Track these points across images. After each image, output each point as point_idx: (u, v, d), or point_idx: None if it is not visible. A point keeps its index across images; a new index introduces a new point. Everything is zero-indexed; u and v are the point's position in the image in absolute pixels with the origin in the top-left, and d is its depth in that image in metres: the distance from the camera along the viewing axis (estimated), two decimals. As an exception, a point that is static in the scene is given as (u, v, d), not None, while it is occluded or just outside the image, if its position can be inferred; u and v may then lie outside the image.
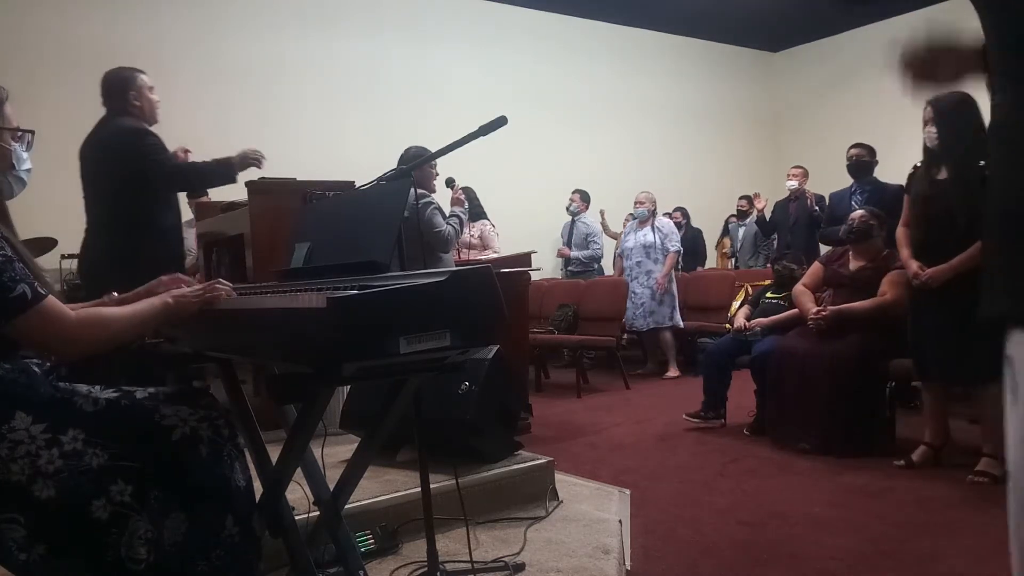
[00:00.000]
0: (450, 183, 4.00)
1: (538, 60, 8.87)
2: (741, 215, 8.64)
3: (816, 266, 4.21)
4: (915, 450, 3.42)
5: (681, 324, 6.55)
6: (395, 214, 1.81)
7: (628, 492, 3.11)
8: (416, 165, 2.90)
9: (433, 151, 2.46)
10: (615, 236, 7.65)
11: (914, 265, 3.25)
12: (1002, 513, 1.03)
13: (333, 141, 7.18)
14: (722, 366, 4.35)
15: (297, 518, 1.78)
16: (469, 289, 1.40)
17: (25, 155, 2.34)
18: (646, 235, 6.53)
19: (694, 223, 8.69)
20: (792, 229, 6.03)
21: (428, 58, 8.12)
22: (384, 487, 2.56)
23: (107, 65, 3.36)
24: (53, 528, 1.33)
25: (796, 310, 4.11)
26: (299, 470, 1.85)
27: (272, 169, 3.46)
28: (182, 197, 3.75)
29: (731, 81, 10.56)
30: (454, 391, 2.75)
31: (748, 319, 4.37)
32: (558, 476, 2.94)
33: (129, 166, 3.09)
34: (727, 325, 5.22)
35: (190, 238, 4.38)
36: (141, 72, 3.27)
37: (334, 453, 2.71)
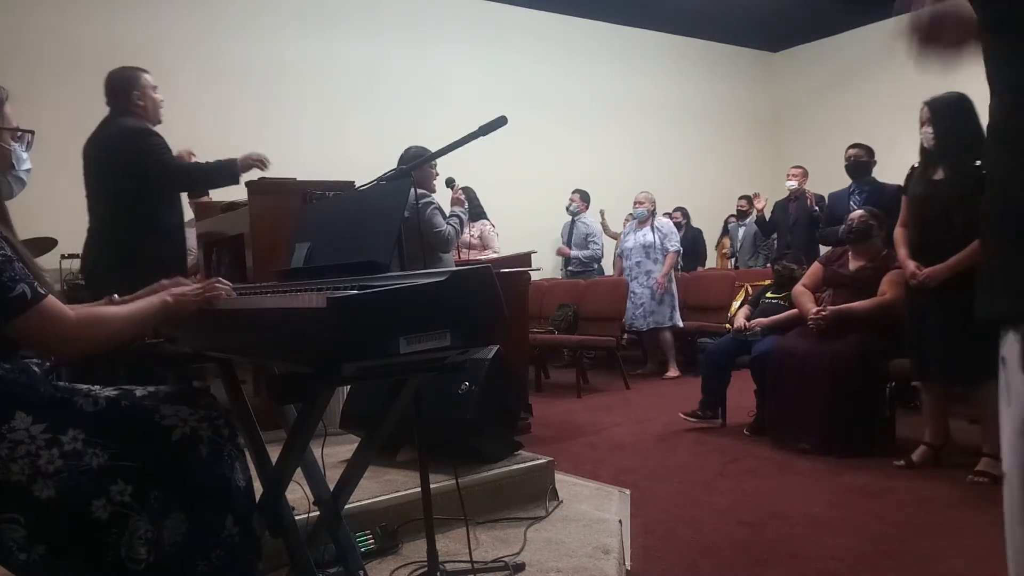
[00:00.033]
0: (450, 183, 4.00)
1: (538, 60, 8.87)
2: (741, 215, 8.64)
3: (816, 266, 4.22)
4: (915, 450, 3.42)
5: (681, 324, 6.55)
6: (395, 214, 1.81)
7: (628, 492, 3.11)
8: (416, 165, 2.90)
9: (433, 151, 2.46)
10: (615, 236, 7.66)
11: (911, 265, 3.26)
12: (1002, 513, 1.03)
13: (333, 141, 7.18)
14: (722, 366, 4.35)
15: (297, 518, 1.78)
16: (469, 289, 1.40)
17: (25, 155, 2.33)
18: (645, 235, 6.53)
19: (694, 223, 8.69)
20: (792, 229, 6.03)
21: (428, 58, 8.12)
22: (384, 487, 2.56)
23: (107, 65, 3.36)
24: (53, 528, 1.33)
25: (796, 310, 4.11)
26: (299, 470, 1.85)
27: (272, 169, 3.46)
28: (183, 197, 3.74)
29: (731, 81, 10.56)
30: (454, 391, 2.75)
31: (748, 319, 4.37)
32: (558, 476, 2.94)
33: (132, 166, 3.09)
34: (727, 325, 5.22)
35: (190, 238, 4.38)
36: (145, 72, 3.27)
37: (334, 453, 2.71)
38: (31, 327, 1.37)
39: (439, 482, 2.35)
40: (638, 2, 8.83)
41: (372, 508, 2.40)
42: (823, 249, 5.21)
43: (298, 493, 1.99)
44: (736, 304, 5.22)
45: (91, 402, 1.44)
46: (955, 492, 3.03)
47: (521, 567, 2.21)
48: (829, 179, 5.91)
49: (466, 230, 5.07)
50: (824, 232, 5.30)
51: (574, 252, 7.39)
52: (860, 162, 4.99)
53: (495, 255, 5.48)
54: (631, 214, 6.83)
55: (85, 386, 1.49)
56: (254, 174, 3.39)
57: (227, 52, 7.00)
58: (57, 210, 4.71)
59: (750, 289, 5.26)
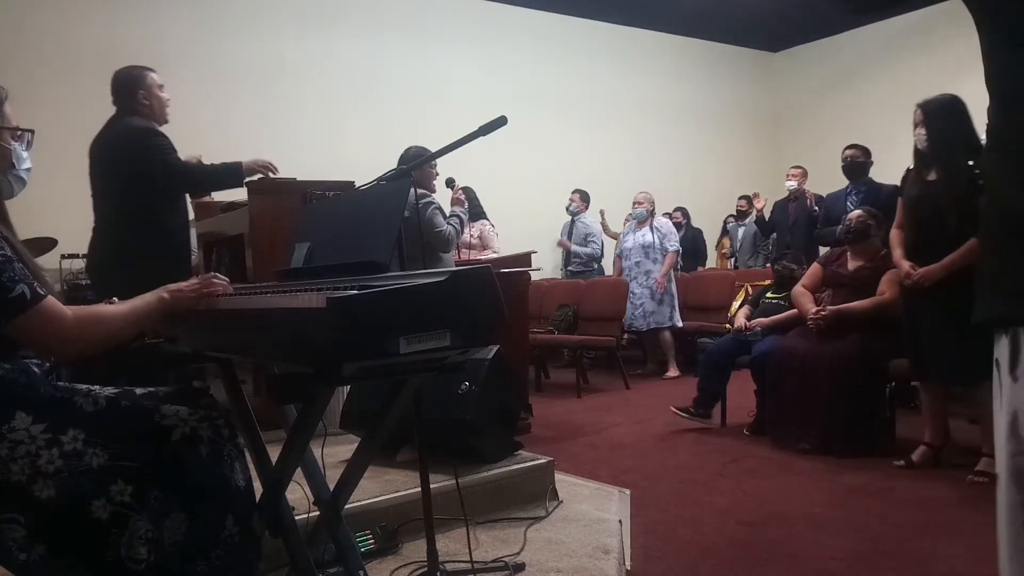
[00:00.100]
0: (450, 183, 4.00)
1: (538, 60, 8.87)
2: (740, 215, 8.65)
3: (815, 267, 4.22)
4: (915, 450, 3.42)
5: (680, 324, 6.55)
6: (395, 214, 1.81)
7: (628, 492, 3.11)
8: (416, 165, 2.90)
9: (433, 151, 2.46)
10: (615, 236, 7.66)
11: (906, 265, 3.27)
12: (1001, 513, 1.03)
13: (333, 141, 7.18)
14: (722, 366, 4.35)
15: (297, 518, 1.78)
16: (469, 289, 1.39)
17: (25, 154, 2.33)
18: (645, 235, 6.53)
19: (694, 223, 8.69)
20: (791, 229, 6.03)
21: (428, 58, 8.12)
22: (384, 487, 2.56)
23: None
24: (53, 528, 1.33)
25: (796, 310, 4.11)
26: (299, 470, 1.86)
27: (272, 169, 3.46)
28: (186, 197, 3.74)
29: (731, 81, 10.56)
30: (454, 391, 2.75)
31: (748, 319, 4.37)
32: (558, 476, 2.94)
33: (137, 166, 3.09)
34: (727, 325, 5.22)
35: (191, 238, 4.38)
36: (151, 71, 3.26)
37: (334, 453, 2.71)
38: (31, 327, 1.37)
39: (439, 482, 2.35)
40: (638, 2, 8.83)
41: (372, 508, 2.40)
42: (823, 249, 5.21)
43: (298, 493, 1.99)
44: (736, 304, 5.22)
45: (91, 402, 1.44)
46: (955, 492, 3.03)
47: (521, 567, 2.21)
48: (829, 179, 5.91)
49: (466, 230, 5.07)
50: (821, 232, 5.31)
51: (574, 247, 7.39)
52: (857, 163, 5.00)
53: (495, 255, 5.48)
54: (631, 214, 6.83)
55: (85, 386, 1.49)
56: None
57: (227, 52, 7.00)
58: (57, 210, 4.72)
59: (750, 289, 5.26)
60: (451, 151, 2.13)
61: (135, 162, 3.10)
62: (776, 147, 10.75)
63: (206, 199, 4.09)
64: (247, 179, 3.31)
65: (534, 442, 3.88)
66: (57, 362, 1.53)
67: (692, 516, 2.89)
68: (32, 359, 1.47)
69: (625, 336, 6.81)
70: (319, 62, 7.46)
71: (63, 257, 5.35)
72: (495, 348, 2.86)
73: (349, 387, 3.06)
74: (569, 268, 7.61)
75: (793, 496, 3.08)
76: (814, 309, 3.87)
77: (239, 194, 3.53)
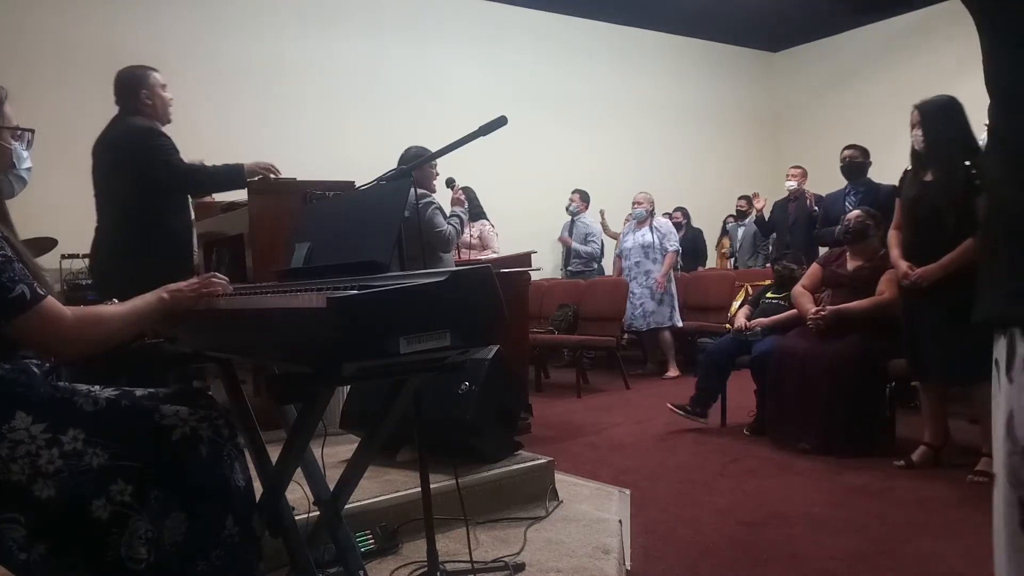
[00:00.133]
0: (450, 183, 4.01)
1: (538, 60, 8.87)
2: (740, 215, 8.65)
3: (814, 267, 4.22)
4: (915, 450, 3.42)
5: (680, 324, 6.55)
6: (395, 214, 1.81)
7: (628, 492, 3.11)
8: (416, 165, 2.90)
9: (433, 151, 2.46)
10: (615, 236, 7.66)
11: (903, 265, 3.28)
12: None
13: (333, 141, 7.18)
14: (722, 366, 4.35)
15: (297, 518, 1.78)
16: (469, 289, 1.40)
17: (25, 154, 2.33)
18: (644, 235, 6.53)
19: (694, 223, 8.69)
20: (791, 229, 6.03)
21: (428, 58, 8.12)
22: (384, 487, 2.56)
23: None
24: (53, 528, 1.33)
25: (796, 310, 4.11)
26: (299, 470, 1.86)
27: (272, 169, 3.45)
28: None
29: (731, 81, 10.56)
30: (454, 391, 2.75)
31: (748, 319, 4.37)
32: (558, 476, 2.94)
33: (139, 166, 3.09)
34: (727, 325, 5.22)
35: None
36: (154, 70, 3.26)
37: (334, 453, 2.71)
38: (31, 327, 1.37)
39: (439, 482, 2.35)
40: (638, 2, 8.83)
41: (372, 508, 2.40)
42: (822, 249, 5.21)
43: (298, 493, 1.99)
44: (736, 304, 5.22)
45: (91, 402, 1.44)
46: (955, 492, 3.03)
47: (521, 567, 2.21)
48: (828, 179, 5.91)
49: (466, 230, 5.07)
50: (820, 232, 5.32)
51: (574, 244, 7.39)
52: (855, 163, 5.01)
53: (494, 255, 5.48)
54: (630, 214, 6.83)
55: (85, 386, 1.49)
56: None
57: (227, 52, 7.00)
58: (57, 210, 4.72)
59: (750, 289, 5.26)
60: (451, 151, 2.13)
61: (137, 162, 3.09)
62: (776, 147, 10.75)
63: (206, 199, 4.09)
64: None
65: (534, 442, 3.88)
66: (57, 362, 1.53)
67: (692, 516, 2.89)
68: (32, 359, 1.47)
69: (625, 336, 6.81)
70: (319, 62, 7.46)
71: (63, 257, 5.35)
72: (495, 348, 2.86)
73: (349, 387, 3.06)
74: (569, 268, 7.61)
75: (793, 496, 3.08)
76: (814, 309, 3.88)
77: (239, 194, 3.53)
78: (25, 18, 6.12)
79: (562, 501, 2.80)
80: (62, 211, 4.64)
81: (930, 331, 3.21)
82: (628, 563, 2.41)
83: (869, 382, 3.65)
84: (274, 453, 1.82)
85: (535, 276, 5.81)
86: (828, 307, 3.84)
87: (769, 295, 4.57)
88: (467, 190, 5.12)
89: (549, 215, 7.90)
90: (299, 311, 1.34)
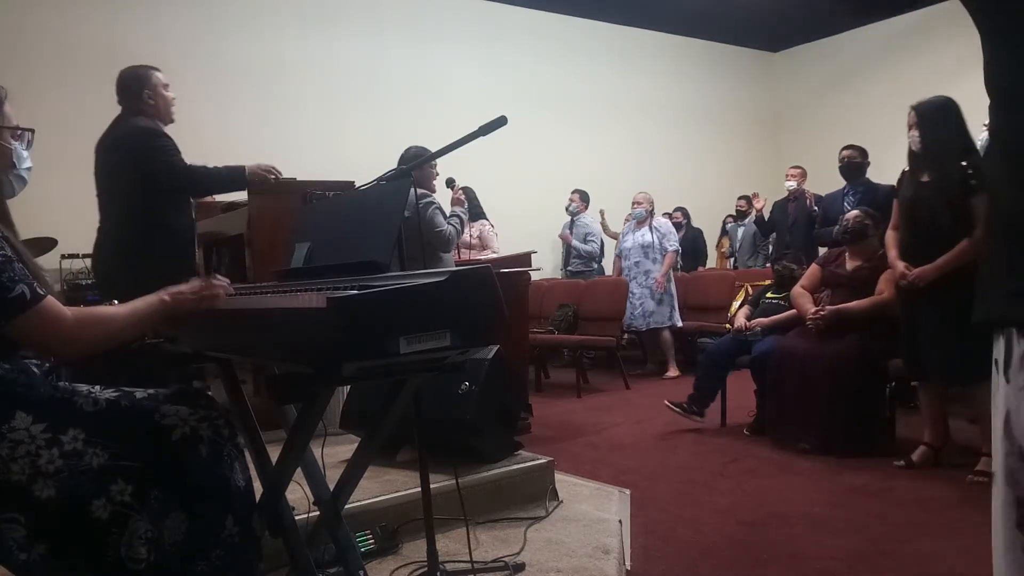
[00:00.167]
0: (450, 183, 4.01)
1: (538, 60, 8.87)
2: (739, 215, 8.65)
3: (814, 268, 4.22)
4: (915, 450, 3.42)
5: (680, 324, 6.55)
6: (395, 214, 1.81)
7: (628, 492, 3.11)
8: (416, 165, 2.90)
9: (433, 151, 2.46)
10: (615, 236, 7.66)
11: (900, 266, 3.29)
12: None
13: (333, 141, 7.18)
14: (722, 366, 4.35)
15: (297, 518, 1.78)
16: (469, 289, 1.40)
17: (25, 154, 2.33)
18: (644, 235, 6.53)
19: (694, 223, 8.69)
20: (791, 229, 6.03)
21: (428, 58, 8.12)
22: (384, 487, 2.56)
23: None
24: (53, 528, 1.33)
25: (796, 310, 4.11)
26: (299, 470, 1.86)
27: (272, 170, 3.45)
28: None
29: (731, 81, 10.56)
30: (454, 391, 2.75)
31: (748, 319, 4.37)
32: (558, 476, 2.94)
33: (140, 167, 3.09)
34: (727, 325, 5.22)
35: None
36: (156, 70, 3.27)
37: (334, 453, 2.71)
38: (31, 327, 1.37)
39: (439, 482, 2.35)
40: (638, 2, 8.83)
41: (372, 508, 2.41)
42: (822, 249, 5.21)
43: (298, 493, 1.99)
44: (736, 304, 5.22)
45: (91, 402, 1.44)
46: (955, 492, 3.03)
47: (521, 567, 2.21)
48: (828, 179, 5.90)
49: (465, 230, 5.07)
50: (819, 233, 5.33)
51: (574, 241, 7.39)
52: (854, 163, 5.02)
53: (494, 255, 5.48)
54: (630, 214, 6.83)
55: (85, 386, 1.49)
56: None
57: (227, 52, 6.99)
58: (57, 210, 4.72)
59: (750, 289, 5.26)
60: (451, 151, 2.13)
61: (139, 163, 3.10)
62: (776, 147, 10.75)
63: (206, 199, 4.09)
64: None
65: (534, 442, 3.88)
66: (57, 362, 1.53)
67: (692, 516, 2.89)
68: (32, 359, 1.47)
69: (625, 336, 6.81)
70: (319, 62, 7.46)
71: (63, 257, 5.35)
72: (495, 348, 2.86)
73: (349, 387, 3.06)
74: (569, 268, 7.61)
75: (793, 496, 3.08)
76: (813, 309, 3.88)
77: (239, 194, 3.53)
78: (25, 18, 6.12)
79: (562, 501, 2.80)
80: (62, 211, 4.64)
81: (928, 331, 3.22)
82: (628, 563, 2.41)
83: (869, 382, 3.65)
84: (274, 453, 1.82)
85: (535, 276, 5.81)
86: (827, 307, 3.84)
87: (769, 295, 4.57)
88: (467, 190, 5.12)
89: (549, 215, 7.90)
90: (299, 311, 1.34)
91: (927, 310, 3.22)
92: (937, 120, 3.20)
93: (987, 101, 0.99)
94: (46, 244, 4.72)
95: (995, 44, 0.98)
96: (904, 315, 3.37)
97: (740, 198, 8.69)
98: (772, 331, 4.20)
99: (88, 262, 4.98)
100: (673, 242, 6.58)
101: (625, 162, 9.25)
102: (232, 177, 3.25)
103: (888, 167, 4.95)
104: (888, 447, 3.60)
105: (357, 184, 2.45)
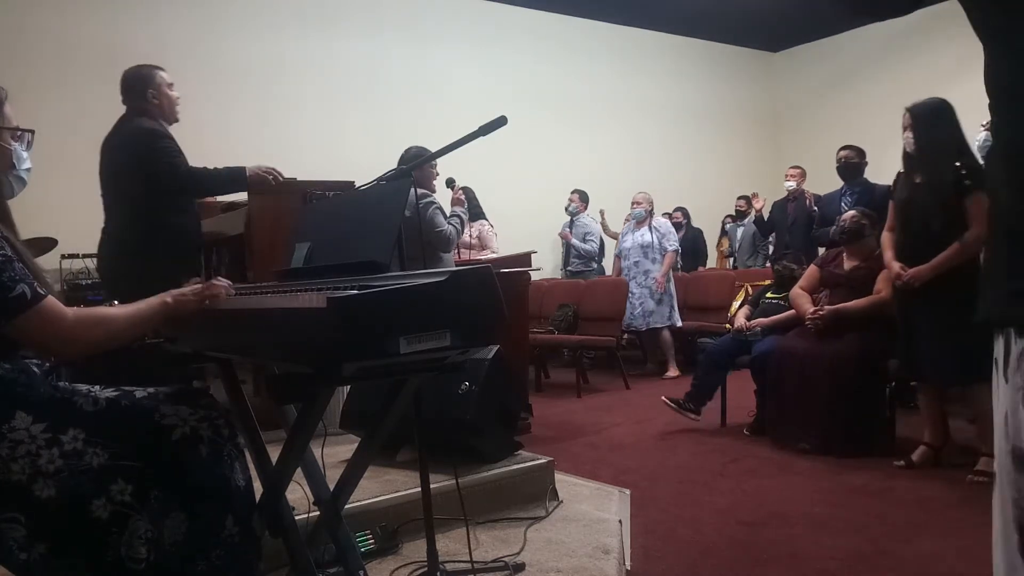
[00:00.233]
0: (450, 183, 4.01)
1: (538, 60, 8.88)
2: (739, 215, 8.65)
3: (812, 268, 4.22)
4: (915, 450, 3.42)
5: (679, 324, 6.55)
6: (395, 214, 1.81)
7: (628, 492, 3.11)
8: (416, 165, 2.90)
9: (433, 151, 2.46)
10: (614, 236, 7.66)
11: (896, 266, 3.30)
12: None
13: (333, 141, 7.18)
14: (722, 366, 4.35)
15: (297, 518, 1.78)
16: (469, 289, 1.40)
17: (25, 154, 2.33)
18: (643, 235, 6.53)
19: (694, 223, 8.69)
20: (790, 229, 6.03)
21: (428, 58, 8.12)
22: (384, 487, 2.56)
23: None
24: (53, 527, 1.33)
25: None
26: (299, 470, 1.86)
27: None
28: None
29: (731, 81, 10.56)
30: (454, 391, 2.75)
31: (748, 319, 4.37)
32: (558, 476, 2.94)
33: (143, 168, 3.10)
34: (727, 325, 5.22)
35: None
36: (160, 69, 3.27)
37: (334, 453, 2.71)
38: (31, 327, 1.37)
39: (439, 482, 2.35)
40: (638, 2, 8.83)
41: (372, 508, 2.41)
42: (822, 249, 5.22)
43: (298, 493, 1.99)
44: (736, 304, 5.22)
45: (91, 402, 1.44)
46: (955, 492, 3.03)
47: (521, 567, 2.21)
48: (828, 179, 5.90)
49: (465, 230, 5.07)
50: (816, 233, 5.34)
51: (574, 240, 7.39)
52: (851, 163, 5.03)
53: (494, 255, 5.48)
54: (630, 214, 6.83)
55: (85, 386, 1.49)
56: None
57: (227, 52, 6.99)
58: (57, 210, 4.72)
59: (750, 289, 5.26)
60: (451, 151, 2.13)
61: (142, 164, 3.10)
62: (776, 147, 10.75)
63: (207, 200, 4.10)
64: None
65: (534, 442, 3.88)
66: (57, 362, 1.53)
67: (692, 516, 2.89)
68: (32, 359, 1.47)
69: (625, 336, 6.82)
70: (319, 62, 7.46)
71: (63, 257, 5.35)
72: (495, 348, 2.86)
73: (349, 387, 3.06)
74: (569, 268, 7.61)
75: (793, 496, 3.08)
76: (812, 309, 3.88)
77: (239, 194, 3.53)
78: (25, 18, 6.12)
79: (562, 501, 2.80)
80: (62, 211, 4.64)
81: (924, 332, 3.23)
82: (628, 563, 2.41)
83: (869, 382, 3.65)
84: (274, 453, 1.82)
85: (535, 276, 5.81)
86: (826, 307, 3.84)
87: (769, 295, 4.57)
88: (467, 190, 5.12)
89: (549, 215, 7.90)
90: (299, 311, 1.34)
91: (923, 310, 3.23)
92: (931, 122, 3.21)
93: (986, 101, 0.99)
94: (46, 244, 4.72)
95: (995, 45, 0.98)
96: (900, 315, 3.38)
97: (740, 198, 8.69)
98: (772, 331, 4.20)
99: (88, 262, 4.98)
100: (673, 242, 6.58)
101: (625, 162, 9.25)
102: (232, 178, 3.25)
103: (888, 167, 4.94)
104: (888, 447, 3.60)
105: (357, 184, 2.45)
